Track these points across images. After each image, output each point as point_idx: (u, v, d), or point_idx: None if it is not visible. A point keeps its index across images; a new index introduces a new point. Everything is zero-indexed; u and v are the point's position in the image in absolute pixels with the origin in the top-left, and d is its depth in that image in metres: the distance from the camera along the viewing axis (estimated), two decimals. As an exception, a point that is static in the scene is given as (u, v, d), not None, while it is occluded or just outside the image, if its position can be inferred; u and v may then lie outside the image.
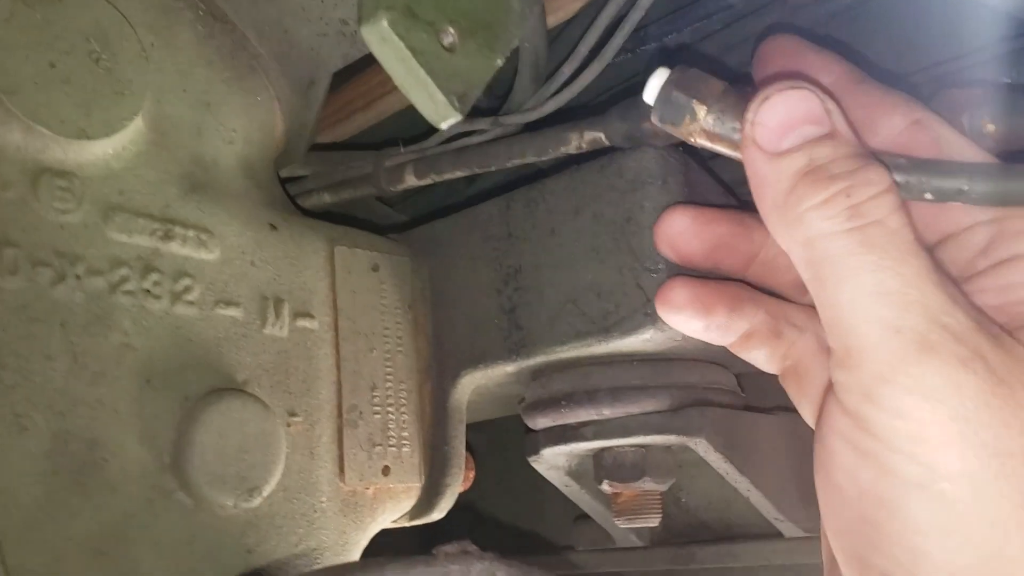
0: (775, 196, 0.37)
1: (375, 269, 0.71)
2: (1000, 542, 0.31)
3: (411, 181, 0.70)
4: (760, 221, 0.41)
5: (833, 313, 0.35)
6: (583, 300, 0.63)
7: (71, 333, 0.53)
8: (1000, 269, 0.37)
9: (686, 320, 0.48)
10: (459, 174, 0.67)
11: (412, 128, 0.74)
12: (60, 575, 0.50)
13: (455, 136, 0.68)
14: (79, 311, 0.54)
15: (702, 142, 0.40)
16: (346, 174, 0.77)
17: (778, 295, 0.49)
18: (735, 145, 0.39)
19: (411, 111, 0.81)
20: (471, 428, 0.91)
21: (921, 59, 0.63)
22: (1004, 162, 0.40)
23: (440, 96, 0.40)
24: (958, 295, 0.35)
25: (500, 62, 0.43)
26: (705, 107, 0.39)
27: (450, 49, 0.40)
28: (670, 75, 0.41)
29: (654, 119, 0.41)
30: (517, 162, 0.60)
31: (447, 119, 0.41)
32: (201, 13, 0.65)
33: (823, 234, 0.35)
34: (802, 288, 0.45)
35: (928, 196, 0.36)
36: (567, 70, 0.60)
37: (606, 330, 0.62)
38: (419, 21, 0.39)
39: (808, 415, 0.46)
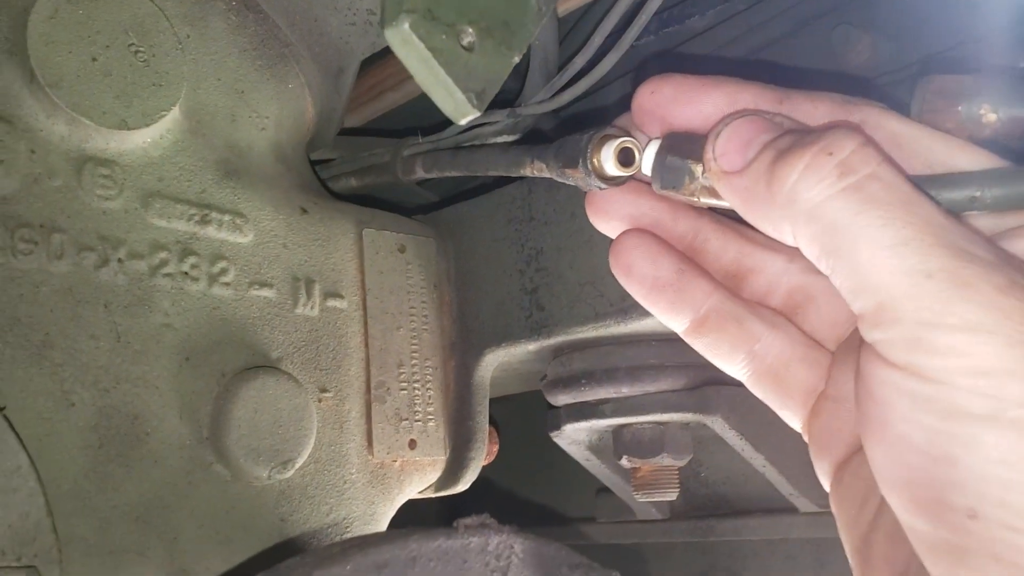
0: (759, 197, 0.36)
1: (402, 250, 0.74)
2: None
3: (420, 173, 0.73)
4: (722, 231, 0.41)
5: (856, 278, 0.34)
6: (602, 282, 0.66)
7: (114, 314, 0.57)
8: None
9: (628, 272, 0.44)
10: (455, 173, 0.69)
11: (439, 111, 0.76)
12: (107, 542, 0.53)
13: (472, 127, 0.70)
14: (122, 293, 0.57)
15: (705, 200, 0.40)
16: (368, 161, 0.79)
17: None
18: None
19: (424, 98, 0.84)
20: (496, 403, 0.94)
21: (930, 46, 0.64)
22: (990, 154, 0.39)
23: (459, 94, 0.41)
24: (972, 232, 0.34)
25: (518, 59, 0.44)
26: (701, 165, 0.38)
27: (469, 48, 0.42)
28: (661, 142, 0.41)
29: (655, 188, 0.41)
30: (493, 172, 0.62)
31: (466, 116, 0.42)
32: (234, 3, 0.68)
33: (820, 201, 0.34)
34: (777, 294, 0.44)
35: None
36: (580, 61, 0.61)
37: (624, 311, 0.64)
38: (439, 23, 0.41)
39: (794, 420, 0.44)
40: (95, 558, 0.53)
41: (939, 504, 0.33)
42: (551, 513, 1.02)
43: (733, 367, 0.44)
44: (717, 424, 0.66)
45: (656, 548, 0.88)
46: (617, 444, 0.73)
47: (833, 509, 0.43)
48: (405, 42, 0.41)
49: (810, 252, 0.35)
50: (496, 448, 0.85)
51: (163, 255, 0.59)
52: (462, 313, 0.77)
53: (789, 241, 0.37)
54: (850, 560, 0.41)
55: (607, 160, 0.42)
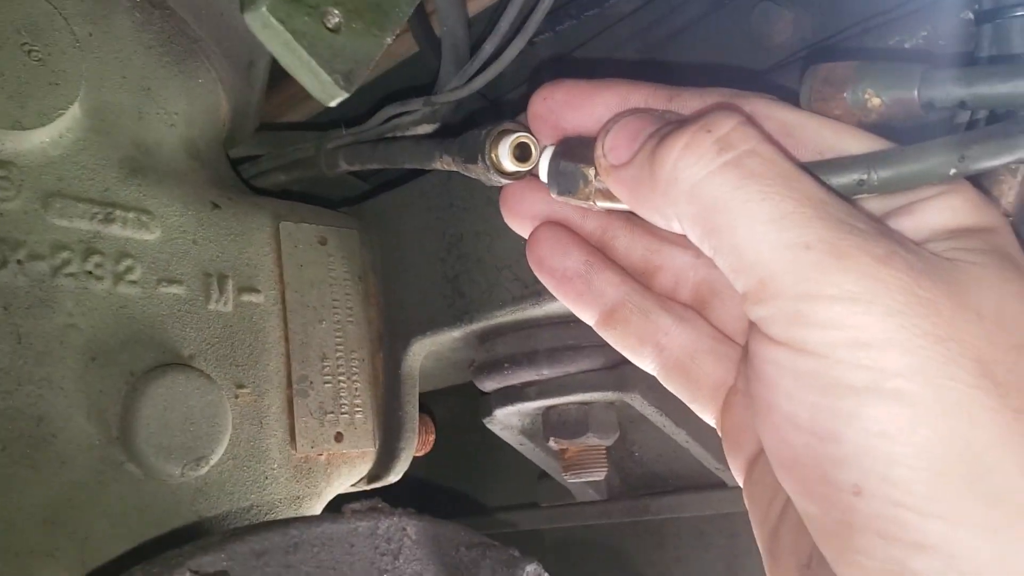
0: (644, 185, 0.36)
1: (323, 242, 0.74)
2: (966, 427, 0.31)
3: (343, 166, 0.72)
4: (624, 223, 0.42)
5: (736, 255, 0.34)
6: (518, 266, 0.66)
7: (15, 316, 0.56)
8: None
9: (540, 264, 0.45)
10: (375, 166, 0.69)
11: (388, 97, 0.76)
12: (13, 544, 0.53)
13: (392, 117, 0.70)
14: (22, 294, 0.57)
15: (601, 203, 0.40)
16: (294, 155, 0.79)
17: None
18: None
19: (371, 88, 0.84)
20: (437, 394, 0.94)
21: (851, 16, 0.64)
22: (876, 136, 0.40)
23: (325, 76, 0.41)
24: (853, 207, 0.34)
25: (389, 40, 0.44)
26: (594, 168, 0.39)
27: (335, 30, 0.42)
28: (555, 148, 0.41)
29: (553, 195, 0.41)
30: (409, 165, 0.62)
31: (334, 97, 0.42)
32: (138, 1, 0.67)
33: (699, 179, 0.34)
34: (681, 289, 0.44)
35: None
36: (488, 47, 0.61)
37: (538, 294, 0.64)
38: (301, 5, 0.41)
39: (707, 415, 0.44)
40: (2, 561, 0.52)
41: (825, 483, 0.33)
42: (488, 502, 1.02)
43: (643, 360, 0.45)
44: (636, 401, 0.66)
45: (603, 529, 0.88)
46: (545, 426, 0.73)
47: (747, 505, 0.43)
48: (265, 26, 0.41)
49: (694, 235, 0.36)
50: (432, 438, 0.85)
51: (65, 255, 0.59)
52: (388, 303, 0.76)
53: (677, 229, 0.37)
54: (763, 555, 0.42)
55: (504, 156, 0.42)
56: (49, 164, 0.60)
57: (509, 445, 0.82)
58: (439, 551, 0.47)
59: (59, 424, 0.56)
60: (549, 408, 0.72)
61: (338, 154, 0.75)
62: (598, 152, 0.38)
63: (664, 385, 0.45)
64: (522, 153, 0.42)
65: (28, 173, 0.58)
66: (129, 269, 0.61)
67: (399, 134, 0.73)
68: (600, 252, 0.44)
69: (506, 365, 0.70)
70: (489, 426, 0.78)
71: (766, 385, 0.35)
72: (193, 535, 0.60)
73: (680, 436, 0.68)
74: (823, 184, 0.35)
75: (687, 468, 0.78)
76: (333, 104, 0.43)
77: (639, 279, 0.45)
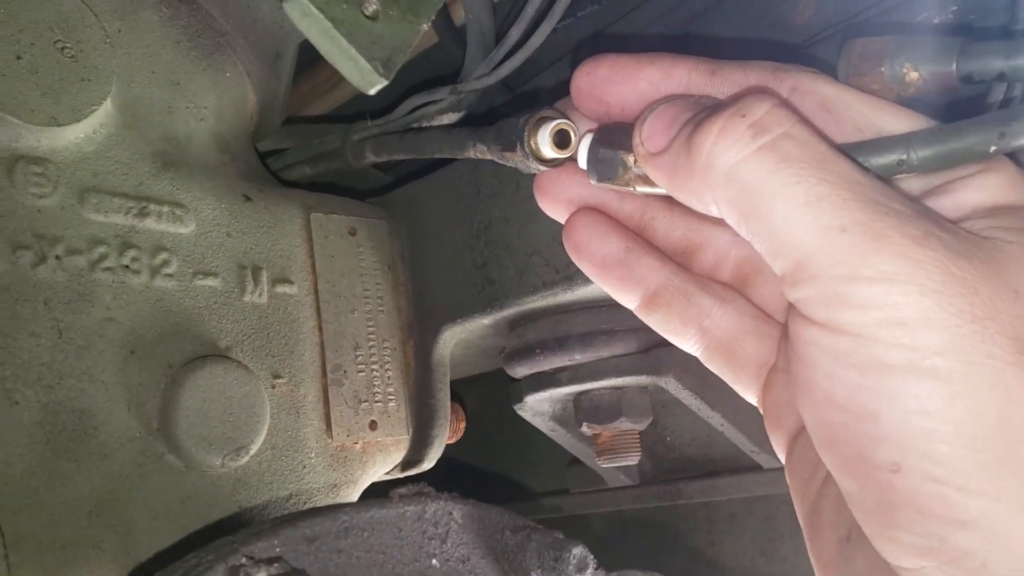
0: (682, 170, 0.36)
1: (352, 233, 0.74)
2: (1003, 403, 0.31)
3: (370, 158, 0.73)
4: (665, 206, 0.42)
5: (773, 238, 0.34)
6: (548, 251, 0.66)
7: (55, 310, 0.56)
8: None
9: (579, 251, 0.45)
10: (403, 156, 0.69)
11: (411, 89, 0.76)
12: (58, 537, 0.54)
13: (418, 107, 0.70)
14: (61, 289, 0.57)
15: (642, 189, 0.40)
16: (320, 148, 0.79)
17: None
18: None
19: (395, 81, 0.84)
20: (466, 382, 0.94)
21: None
22: (914, 112, 0.40)
23: (364, 63, 0.41)
24: (890, 188, 0.35)
25: (425, 26, 0.44)
26: (633, 155, 0.39)
27: (372, 17, 0.42)
28: (593, 135, 0.41)
29: (593, 182, 0.41)
30: (439, 155, 0.62)
31: (374, 85, 0.42)
32: (165, -5, 0.67)
33: (735, 163, 0.34)
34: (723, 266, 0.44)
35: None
36: (515, 33, 0.61)
37: (569, 279, 0.64)
38: (340, -7, 0.41)
39: (749, 394, 0.44)
40: (47, 554, 0.53)
41: (864, 461, 0.33)
42: (523, 488, 1.02)
43: (686, 342, 0.45)
44: (670, 385, 0.66)
45: (634, 515, 0.88)
46: (577, 412, 0.73)
47: (788, 481, 0.43)
48: (305, 14, 0.41)
49: (731, 219, 0.36)
50: (463, 425, 0.85)
51: (102, 249, 0.59)
52: (418, 292, 0.77)
53: (715, 213, 0.37)
54: (803, 529, 0.42)
55: (543, 143, 0.43)
56: (84, 160, 0.60)
57: (537, 433, 0.82)
58: (485, 534, 0.48)
59: (100, 417, 0.57)
60: (581, 393, 0.72)
61: (365, 145, 0.76)
62: (636, 140, 0.39)
63: (707, 365, 0.45)
64: (561, 140, 0.42)
65: (64, 169, 0.59)
66: (165, 262, 0.62)
67: (424, 124, 0.73)
68: (639, 236, 0.44)
69: (537, 351, 0.70)
70: (520, 412, 0.78)
71: (806, 364, 0.35)
72: (234, 525, 0.61)
73: (715, 419, 0.68)
74: (860, 165, 0.35)
75: (721, 451, 0.78)
76: (372, 92, 0.43)
77: (679, 260, 0.45)
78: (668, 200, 0.44)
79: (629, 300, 0.45)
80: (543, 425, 0.79)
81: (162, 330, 0.60)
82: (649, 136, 0.38)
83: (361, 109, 0.81)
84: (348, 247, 0.73)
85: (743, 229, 0.36)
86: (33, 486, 0.53)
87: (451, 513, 0.47)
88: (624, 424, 0.71)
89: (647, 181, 0.40)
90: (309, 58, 0.74)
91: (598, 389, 0.71)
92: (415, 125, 0.74)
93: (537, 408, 0.77)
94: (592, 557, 0.47)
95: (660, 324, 0.45)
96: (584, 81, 0.42)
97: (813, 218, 0.33)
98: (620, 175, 0.40)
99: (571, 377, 0.70)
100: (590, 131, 0.42)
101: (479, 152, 0.58)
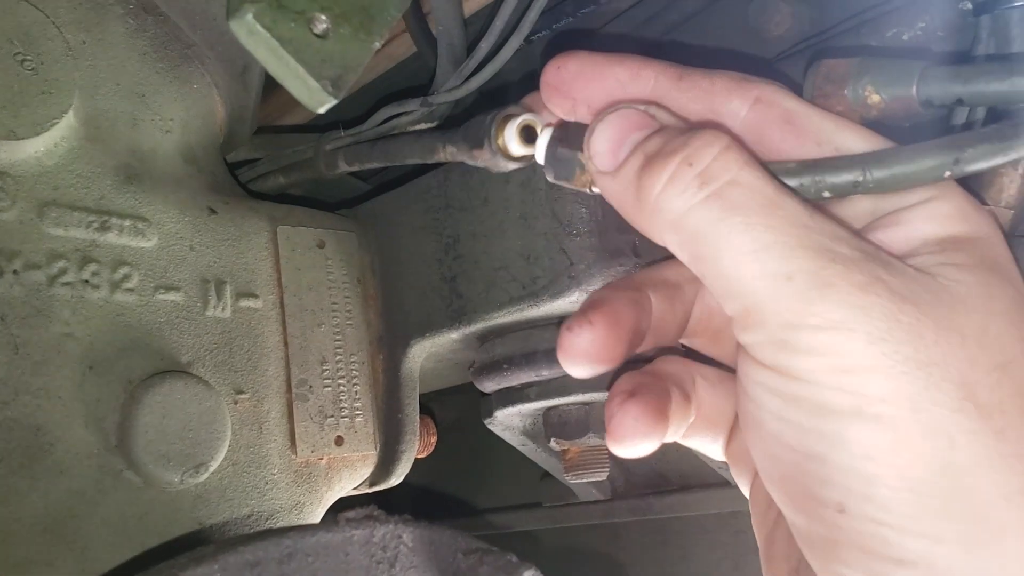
0: (632, 204, 0.37)
1: (321, 246, 0.73)
2: (946, 449, 0.32)
3: (343, 167, 0.72)
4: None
5: (722, 283, 0.35)
6: (514, 266, 0.65)
7: (11, 326, 0.56)
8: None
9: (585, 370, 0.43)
10: (375, 165, 0.69)
11: (387, 98, 0.76)
12: (11, 555, 0.53)
13: (390, 117, 0.70)
14: (18, 304, 0.56)
15: (596, 190, 0.40)
16: (292, 157, 0.79)
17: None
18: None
19: (365, 92, 0.83)
20: (444, 392, 0.94)
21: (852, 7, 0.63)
22: (875, 133, 0.40)
23: (313, 82, 0.41)
24: (839, 229, 0.35)
25: (378, 44, 0.44)
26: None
27: (323, 36, 0.42)
28: (552, 133, 0.41)
29: (549, 179, 0.41)
30: (411, 161, 0.62)
31: (323, 104, 0.42)
32: (131, 7, 0.67)
33: (682, 212, 0.35)
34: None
35: (826, 194, 0.36)
36: (484, 46, 0.61)
37: (535, 294, 0.63)
38: (287, 11, 0.40)
39: (714, 449, 0.46)
40: (1, 571, 0.52)
41: (811, 499, 0.34)
42: (498, 499, 1.02)
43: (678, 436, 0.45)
44: (637, 402, 0.65)
45: (608, 529, 0.88)
46: (546, 427, 0.72)
47: (751, 512, 0.45)
48: (251, 33, 0.40)
49: (681, 258, 0.36)
50: (434, 440, 0.85)
51: (61, 264, 0.59)
52: (387, 305, 0.76)
53: (662, 244, 0.37)
54: (761, 557, 0.44)
55: (511, 139, 0.42)
56: (44, 174, 0.59)
57: (511, 446, 0.82)
58: (436, 557, 0.47)
59: (57, 433, 0.56)
60: (550, 409, 0.72)
61: (337, 155, 0.75)
62: (586, 153, 0.39)
63: (689, 445, 0.46)
64: (528, 135, 0.42)
65: (23, 183, 0.58)
66: (126, 277, 0.61)
67: (396, 133, 0.73)
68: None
69: (505, 366, 0.70)
70: (490, 427, 0.77)
71: (755, 405, 0.36)
72: (194, 543, 0.60)
73: (682, 435, 0.68)
74: (808, 208, 0.35)
75: (691, 466, 0.77)
76: (322, 111, 0.43)
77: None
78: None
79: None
80: (513, 440, 0.78)
81: (122, 345, 0.60)
82: (597, 152, 0.38)
83: (335, 120, 0.81)
84: (316, 260, 0.73)
85: (693, 268, 0.36)
86: (-15, 504, 0.53)
87: (400, 536, 0.46)
88: (592, 440, 0.70)
89: None
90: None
91: (566, 404, 0.71)
92: (386, 135, 0.73)
93: (507, 423, 0.77)
94: (544, 581, 0.47)
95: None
96: (553, 76, 0.42)
97: (760, 266, 0.33)
98: (577, 176, 0.40)
99: (539, 393, 0.69)
100: (549, 125, 0.42)
101: (449, 155, 0.57)
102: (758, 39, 0.73)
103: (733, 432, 0.45)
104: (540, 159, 0.42)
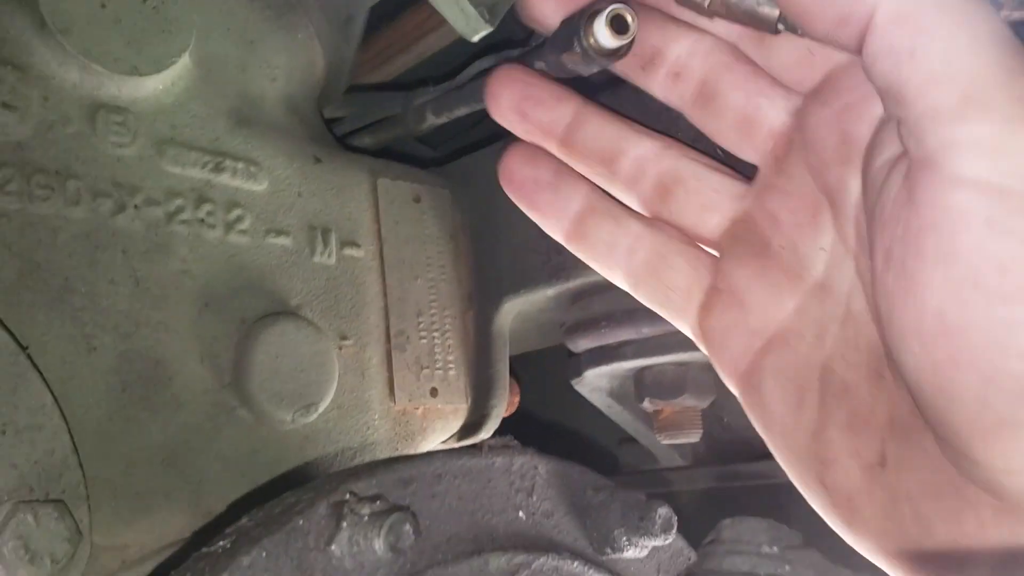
0: None
1: (417, 200, 0.74)
2: None
3: (431, 120, 0.73)
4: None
5: (943, 59, 0.30)
6: (620, 220, 0.65)
7: (132, 259, 0.56)
8: None
9: (511, 179, 0.45)
10: (465, 110, 0.69)
11: (451, 68, 0.76)
12: (133, 483, 0.54)
13: (485, 70, 0.70)
14: (139, 239, 0.57)
15: (718, 8, 0.37)
16: (380, 114, 0.79)
17: None
18: (755, 12, 0.37)
19: (447, 52, 0.83)
20: (518, 359, 0.94)
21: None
22: None
23: (470, 9, 0.41)
24: None
25: (530, -25, 0.44)
26: None
27: (480, -36, 0.42)
28: None
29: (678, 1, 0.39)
30: None
31: (478, 31, 0.42)
32: (242, -47, 0.67)
33: None
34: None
35: None
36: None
37: (642, 248, 0.63)
38: (450, -62, 0.41)
39: (680, 319, 0.43)
40: (122, 499, 0.53)
41: (1000, 349, 0.30)
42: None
43: (613, 269, 0.44)
44: (739, 359, 0.65)
45: (685, 496, 0.88)
46: (639, 387, 0.72)
47: (754, 418, 0.41)
48: (416, -44, 0.40)
49: (888, 29, 0.31)
50: (517, 400, 0.85)
51: (179, 202, 0.59)
52: (480, 263, 0.76)
53: (837, 33, 0.32)
54: (795, 469, 0.39)
55: (601, 33, 0.40)
56: (162, 111, 0.60)
57: (585, 417, 0.81)
58: (568, 491, 0.47)
59: (175, 368, 0.57)
60: (643, 369, 0.72)
61: (426, 108, 0.75)
62: None
63: (636, 295, 0.45)
64: (619, 25, 0.40)
65: (143, 120, 0.59)
66: (239, 219, 0.62)
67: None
68: (568, 166, 0.44)
69: (603, 323, 0.70)
70: (577, 387, 0.77)
71: (941, 236, 0.31)
72: (301, 480, 0.61)
73: (780, 396, 0.67)
74: None
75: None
76: (476, 39, 0.43)
77: (604, 166, 0.44)
78: (606, 106, 0.44)
79: (557, 227, 0.45)
80: (600, 401, 0.78)
81: (236, 285, 0.60)
82: None
83: (422, 77, 0.81)
84: (413, 214, 0.73)
85: (896, 43, 0.31)
86: (110, 432, 0.53)
87: (536, 467, 0.46)
88: (687, 400, 0.70)
89: (727, 3, 0.37)
90: (367, 28, 0.74)
91: (662, 364, 0.71)
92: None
93: (595, 383, 0.76)
94: (676, 519, 0.47)
95: (588, 249, 0.45)
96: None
97: (998, 54, 0.29)
98: None
99: (636, 351, 0.69)
100: None
101: (538, 69, 0.56)
102: None
103: (708, 306, 0.42)
104: None
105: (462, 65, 0.75)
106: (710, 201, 0.42)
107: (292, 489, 0.49)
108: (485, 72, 0.70)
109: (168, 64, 0.59)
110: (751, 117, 0.40)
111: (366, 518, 0.38)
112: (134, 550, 0.52)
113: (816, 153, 0.38)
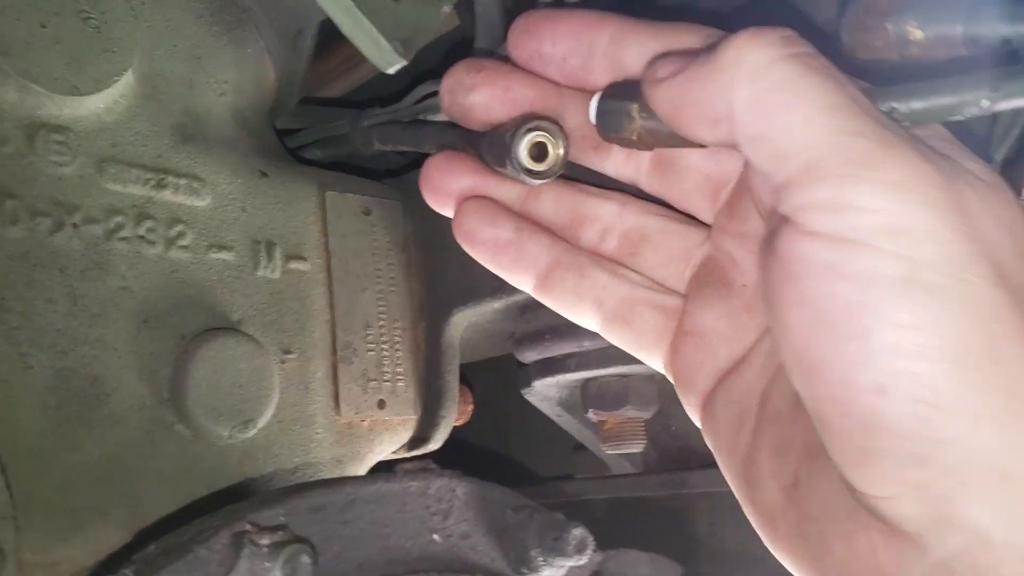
0: (697, 80, 0.36)
1: (367, 213, 0.74)
2: (991, 320, 0.32)
3: (377, 146, 0.73)
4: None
5: (786, 137, 0.34)
6: (560, 236, 0.66)
7: (70, 278, 0.57)
8: None
9: (472, 239, 0.44)
10: (405, 148, 0.69)
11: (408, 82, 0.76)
12: (67, 501, 0.54)
13: (428, 95, 0.70)
14: (77, 257, 0.58)
15: (646, 139, 0.40)
16: (331, 131, 0.79)
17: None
18: (667, 130, 0.39)
19: (419, 56, 0.84)
20: (473, 367, 0.95)
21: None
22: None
23: (384, 43, 0.42)
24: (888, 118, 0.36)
25: (447, 8, 0.45)
26: (636, 104, 0.39)
27: (395, -1, 0.42)
28: (602, 92, 0.41)
29: (601, 135, 0.41)
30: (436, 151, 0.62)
31: (393, 64, 0.43)
32: (190, -30, 0.68)
33: (767, 62, 0.34)
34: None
35: None
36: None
37: (581, 264, 0.64)
38: (362, -28, 0.41)
39: (654, 361, 0.44)
40: (56, 516, 0.54)
41: (847, 387, 0.33)
42: (528, 472, 1.03)
43: (583, 316, 0.45)
44: (677, 374, 0.66)
45: (636, 503, 0.89)
46: (584, 398, 0.73)
47: (708, 442, 0.43)
48: (327, -8, 0.41)
49: (744, 120, 0.35)
50: (470, 408, 0.86)
51: (119, 219, 0.60)
52: (431, 275, 0.77)
53: (714, 136, 0.36)
54: (734, 488, 0.42)
55: (525, 159, 0.40)
56: (104, 130, 0.61)
57: (544, 420, 0.82)
58: (487, 512, 0.48)
59: (112, 384, 0.58)
60: (588, 380, 0.73)
61: (372, 133, 0.76)
62: (646, 72, 0.38)
63: (607, 338, 0.45)
64: (538, 153, 0.41)
65: (84, 138, 0.59)
66: (180, 235, 0.62)
67: (431, 115, 0.73)
68: (527, 219, 0.45)
69: (547, 336, 0.70)
70: (528, 397, 0.78)
71: (796, 283, 0.35)
72: (240, 495, 0.61)
73: (720, 410, 0.68)
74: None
75: (724, 443, 0.78)
76: (391, 71, 0.43)
77: (567, 234, 0.45)
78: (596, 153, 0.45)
79: (524, 282, 0.45)
80: (549, 410, 0.79)
81: (175, 301, 0.61)
82: (663, 63, 0.38)
83: (375, 93, 0.81)
84: (362, 226, 0.74)
85: (753, 125, 0.35)
86: (44, 449, 0.54)
87: (454, 490, 0.47)
88: (630, 411, 0.71)
89: (650, 132, 0.40)
90: (326, 39, 0.74)
91: (605, 376, 0.72)
92: (421, 116, 0.74)
93: (544, 393, 0.77)
94: (591, 539, 0.48)
95: (556, 302, 0.45)
96: (522, 22, 0.42)
97: (831, 122, 0.33)
98: (625, 126, 0.40)
99: (579, 363, 0.70)
100: (600, 91, 0.42)
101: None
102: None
103: (676, 346, 0.43)
104: (592, 118, 0.42)
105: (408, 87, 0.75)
106: (676, 252, 0.44)
107: (221, 507, 0.50)
108: (429, 96, 0.71)
109: (109, 83, 0.59)
110: (712, 175, 0.43)
111: (265, 549, 0.39)
112: (67, 567, 0.53)
113: (759, 198, 0.40)
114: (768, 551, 0.41)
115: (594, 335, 0.68)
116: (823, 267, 0.33)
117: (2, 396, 0.53)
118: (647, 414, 0.73)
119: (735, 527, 0.82)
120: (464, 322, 0.76)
